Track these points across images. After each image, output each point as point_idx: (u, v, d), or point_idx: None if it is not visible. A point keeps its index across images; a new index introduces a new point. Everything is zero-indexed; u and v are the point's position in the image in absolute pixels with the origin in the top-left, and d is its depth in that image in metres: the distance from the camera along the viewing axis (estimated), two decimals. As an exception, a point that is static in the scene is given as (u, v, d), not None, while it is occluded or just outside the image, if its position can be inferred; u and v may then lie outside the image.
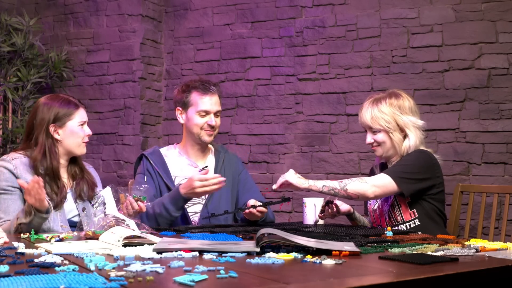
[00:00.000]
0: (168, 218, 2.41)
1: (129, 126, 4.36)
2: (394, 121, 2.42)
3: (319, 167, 3.95)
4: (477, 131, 3.54)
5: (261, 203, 2.44)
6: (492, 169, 3.49)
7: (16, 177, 2.23)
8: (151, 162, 2.63)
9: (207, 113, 2.61)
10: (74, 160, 2.44)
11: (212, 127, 2.63)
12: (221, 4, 4.30)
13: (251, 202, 2.48)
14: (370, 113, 2.45)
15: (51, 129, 2.32)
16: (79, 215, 2.34)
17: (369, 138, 2.47)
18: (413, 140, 2.42)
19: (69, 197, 2.36)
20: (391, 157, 2.49)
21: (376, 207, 2.50)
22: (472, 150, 3.51)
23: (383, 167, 2.56)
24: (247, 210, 2.42)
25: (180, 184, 2.60)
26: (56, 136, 2.33)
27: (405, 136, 2.43)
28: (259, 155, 4.13)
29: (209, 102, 2.61)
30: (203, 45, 4.36)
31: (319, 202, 2.52)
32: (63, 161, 2.38)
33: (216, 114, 2.64)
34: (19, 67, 4.30)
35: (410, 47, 3.73)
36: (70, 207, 2.34)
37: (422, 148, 2.46)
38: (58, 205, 2.27)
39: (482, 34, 3.56)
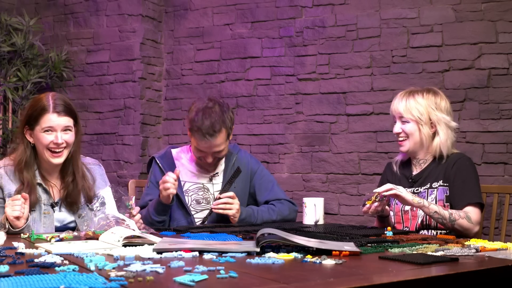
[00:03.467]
0: (149, 222, 2.40)
1: (129, 126, 4.36)
2: (427, 114, 2.41)
3: (319, 167, 3.95)
4: (477, 131, 3.54)
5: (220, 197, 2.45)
6: (492, 169, 3.49)
7: (1, 188, 2.20)
8: (161, 166, 2.59)
9: (204, 152, 2.53)
10: (68, 167, 2.30)
11: (209, 164, 2.57)
12: (221, 4, 4.30)
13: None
14: (405, 102, 2.43)
15: (25, 131, 2.23)
16: (75, 221, 2.30)
17: (398, 128, 2.46)
18: (444, 139, 2.41)
19: (59, 205, 2.28)
20: (416, 153, 2.47)
21: (408, 208, 2.42)
22: (472, 150, 3.50)
23: (404, 165, 2.54)
24: (215, 209, 2.43)
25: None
26: (30, 139, 2.23)
27: (434, 133, 2.43)
28: (259, 155, 4.13)
29: (205, 147, 2.49)
30: (203, 45, 4.36)
31: (319, 202, 2.52)
32: (45, 165, 2.27)
33: (213, 155, 2.53)
34: (19, 67, 4.30)
35: (410, 47, 3.73)
36: (63, 216, 2.28)
37: (457, 151, 2.47)
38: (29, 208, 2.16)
39: (482, 34, 3.56)
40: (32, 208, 2.18)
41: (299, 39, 4.04)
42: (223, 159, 2.67)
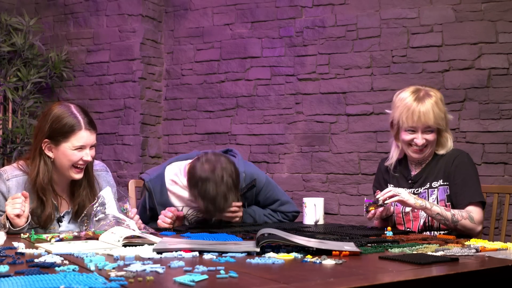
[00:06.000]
0: None
1: (129, 126, 4.36)
2: (445, 119, 2.34)
3: (319, 167, 3.95)
4: (477, 131, 3.54)
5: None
6: (492, 169, 3.49)
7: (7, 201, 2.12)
8: (151, 192, 2.43)
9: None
10: (80, 180, 2.23)
11: None
12: (221, 4, 4.30)
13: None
14: (432, 111, 2.28)
15: (44, 145, 2.14)
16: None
17: (421, 139, 2.30)
18: (452, 138, 2.40)
19: (67, 218, 2.25)
20: (425, 157, 2.40)
21: (409, 209, 2.37)
22: (472, 150, 3.50)
23: (400, 163, 2.46)
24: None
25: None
26: (48, 153, 2.15)
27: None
28: (259, 155, 4.13)
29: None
30: (203, 45, 4.36)
31: (319, 202, 2.52)
32: (58, 178, 2.20)
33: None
34: (19, 67, 4.30)
35: (410, 47, 3.73)
36: (70, 228, 2.23)
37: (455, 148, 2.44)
38: (45, 226, 2.15)
39: (482, 34, 3.56)
40: (44, 226, 2.16)
41: (299, 39, 4.04)
42: None
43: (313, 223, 2.49)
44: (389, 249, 1.71)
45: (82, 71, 4.56)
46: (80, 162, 2.15)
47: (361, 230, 2.22)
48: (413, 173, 2.45)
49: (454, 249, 1.68)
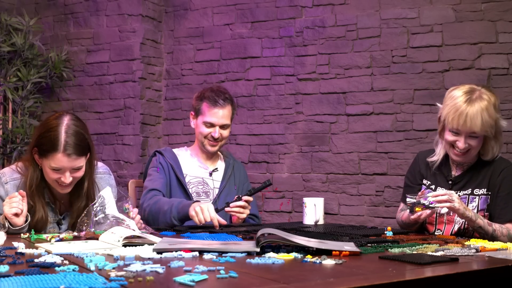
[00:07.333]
0: (166, 219, 2.41)
1: (129, 126, 4.36)
2: (495, 126, 2.19)
3: (319, 167, 3.95)
4: (477, 131, 3.54)
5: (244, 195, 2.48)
6: (492, 169, 3.49)
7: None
8: (165, 156, 2.69)
9: (212, 125, 2.66)
10: (80, 191, 2.21)
11: (215, 139, 2.67)
12: (221, 4, 4.30)
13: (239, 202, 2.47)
14: (481, 118, 2.13)
15: (34, 152, 2.14)
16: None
17: (463, 143, 2.18)
18: (501, 144, 2.25)
19: (66, 222, 2.25)
20: (467, 161, 2.29)
21: (445, 211, 2.24)
22: (472, 150, 3.50)
23: (442, 161, 2.34)
24: (230, 209, 2.44)
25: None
26: (38, 161, 2.14)
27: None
28: (259, 155, 4.13)
29: (215, 115, 2.65)
30: (203, 45, 4.36)
31: (319, 202, 2.52)
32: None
33: (222, 127, 2.67)
34: (19, 67, 4.30)
35: (410, 47, 3.73)
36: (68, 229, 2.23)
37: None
38: (37, 230, 2.13)
39: (482, 34, 3.56)
40: (41, 230, 2.16)
41: (299, 39, 4.04)
42: (223, 158, 2.81)
43: (313, 223, 2.50)
44: (389, 249, 1.71)
45: (82, 71, 4.56)
46: (59, 181, 2.11)
47: (361, 230, 2.22)
48: (454, 173, 2.35)
49: (454, 249, 1.69)
